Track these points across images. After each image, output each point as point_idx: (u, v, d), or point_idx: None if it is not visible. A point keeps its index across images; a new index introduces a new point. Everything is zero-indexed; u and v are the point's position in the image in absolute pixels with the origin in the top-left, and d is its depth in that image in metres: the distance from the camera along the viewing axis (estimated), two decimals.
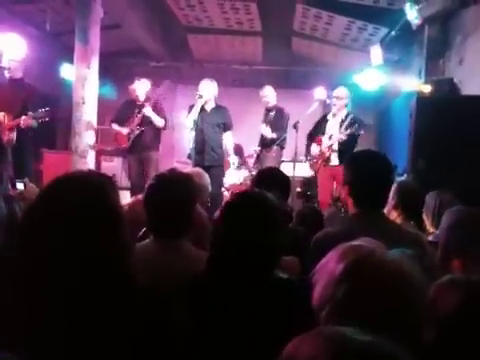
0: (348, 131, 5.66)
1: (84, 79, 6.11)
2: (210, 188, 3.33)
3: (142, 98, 6.27)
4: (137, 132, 6.17)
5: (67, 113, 6.65)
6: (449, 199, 2.90)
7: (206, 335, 1.54)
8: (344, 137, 5.69)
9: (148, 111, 6.16)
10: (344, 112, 5.96)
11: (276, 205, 1.65)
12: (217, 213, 1.76)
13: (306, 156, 6.54)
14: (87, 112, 6.13)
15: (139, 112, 6.17)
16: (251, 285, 1.58)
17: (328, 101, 6.48)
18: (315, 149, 6.02)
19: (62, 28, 7.43)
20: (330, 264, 1.13)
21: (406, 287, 1.06)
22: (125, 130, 6.25)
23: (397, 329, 1.03)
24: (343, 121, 5.85)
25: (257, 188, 2.90)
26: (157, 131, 6.28)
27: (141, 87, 6.30)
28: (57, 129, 8.67)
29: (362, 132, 5.55)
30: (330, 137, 5.90)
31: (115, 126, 6.41)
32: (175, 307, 1.66)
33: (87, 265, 1.23)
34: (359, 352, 0.72)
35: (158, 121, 6.18)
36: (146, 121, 6.17)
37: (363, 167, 2.00)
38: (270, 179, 2.93)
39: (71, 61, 6.48)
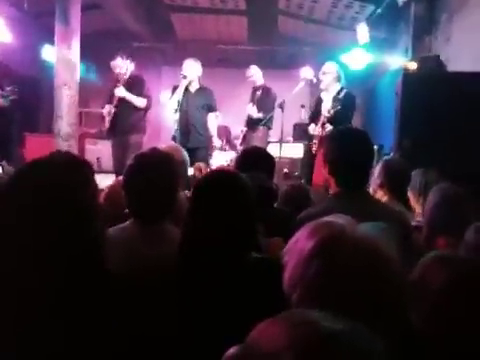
0: (334, 109, 5.43)
1: (65, 61, 5.98)
2: (189, 163, 3.25)
3: (124, 75, 5.85)
4: (111, 115, 5.76)
5: (50, 95, 6.52)
6: (435, 177, 2.87)
7: (180, 320, 1.51)
8: (328, 114, 5.40)
9: (120, 92, 5.74)
10: (336, 87, 5.64)
11: (247, 184, 1.60)
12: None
13: (305, 139, 6.37)
14: (69, 94, 6.00)
15: (112, 94, 5.78)
16: (222, 267, 1.53)
17: (315, 80, 6.37)
18: (314, 129, 5.66)
19: (43, 9, 7.26)
20: (300, 243, 1.07)
21: (381, 263, 1.01)
22: (105, 109, 5.86)
23: (376, 307, 0.99)
24: (335, 97, 5.63)
25: (240, 168, 2.87)
26: (137, 112, 5.87)
27: (122, 64, 5.88)
28: (40, 112, 8.53)
29: (339, 107, 5.30)
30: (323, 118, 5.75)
31: (105, 107, 5.97)
32: (156, 293, 1.63)
33: (56, 256, 1.18)
34: (327, 343, 0.67)
35: (136, 101, 5.78)
36: (122, 102, 5.75)
37: (343, 145, 1.94)
38: (254, 159, 2.88)
39: (53, 43, 6.33)
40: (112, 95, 5.85)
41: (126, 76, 5.84)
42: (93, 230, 1.26)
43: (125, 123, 5.80)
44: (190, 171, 4.65)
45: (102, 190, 3.00)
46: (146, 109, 5.95)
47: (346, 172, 1.89)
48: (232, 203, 1.57)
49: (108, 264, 1.34)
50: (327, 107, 5.44)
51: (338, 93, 5.51)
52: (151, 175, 1.89)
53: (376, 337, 0.72)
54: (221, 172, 1.87)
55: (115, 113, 5.76)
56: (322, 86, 5.75)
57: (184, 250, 1.62)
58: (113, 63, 5.90)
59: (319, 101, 5.87)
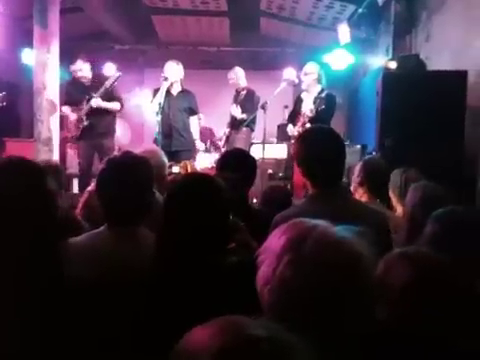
0: (314, 108, 5.41)
1: (44, 64, 5.89)
2: (167, 166, 3.23)
3: (87, 77, 5.83)
4: (86, 123, 5.71)
5: (30, 100, 6.43)
6: (415, 176, 2.88)
7: (152, 322, 1.50)
8: (310, 114, 5.40)
9: (96, 102, 5.67)
10: (317, 88, 5.67)
11: (220, 187, 1.60)
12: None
13: (285, 139, 6.38)
14: (48, 98, 5.91)
15: (88, 101, 5.68)
16: (194, 270, 1.53)
17: (296, 81, 6.37)
18: (293, 129, 5.74)
19: (21, 12, 7.16)
20: (272, 242, 1.09)
21: (348, 260, 1.03)
22: (73, 116, 5.78)
23: (342, 302, 1.01)
24: (317, 98, 5.63)
25: (221, 170, 2.85)
26: (109, 115, 5.85)
27: (85, 66, 5.84)
28: (21, 117, 8.41)
29: (323, 107, 5.29)
30: (303, 115, 5.74)
31: (66, 109, 5.90)
32: (130, 297, 1.61)
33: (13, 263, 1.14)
34: (244, 348, 0.66)
35: (112, 107, 5.78)
36: (96, 111, 5.69)
37: (313, 145, 1.93)
38: (234, 161, 2.86)
39: (32, 46, 6.24)
40: (76, 98, 5.77)
41: (88, 78, 5.83)
42: (42, 237, 1.22)
43: (97, 129, 5.77)
44: (176, 169, 4.64)
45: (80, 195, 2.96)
46: (120, 111, 5.96)
47: (317, 171, 1.88)
48: (203, 206, 1.57)
49: (68, 269, 1.31)
50: (309, 107, 5.43)
51: (319, 93, 5.52)
52: (123, 179, 1.86)
53: (306, 348, 0.71)
54: (193, 176, 1.86)
55: (88, 124, 5.72)
56: (303, 86, 5.76)
57: (158, 253, 1.62)
58: (74, 66, 5.87)
59: (299, 101, 5.88)
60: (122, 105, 5.92)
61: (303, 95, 5.79)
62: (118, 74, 5.84)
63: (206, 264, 1.54)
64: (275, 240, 1.09)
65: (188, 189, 1.61)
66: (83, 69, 5.85)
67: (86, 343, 1.25)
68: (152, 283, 1.55)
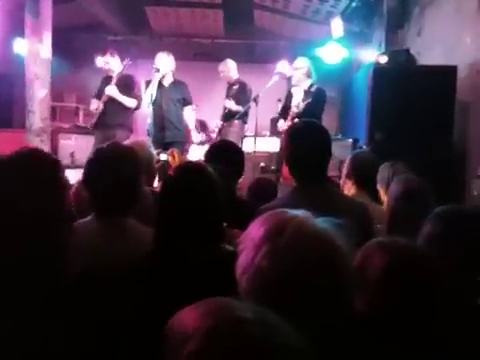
0: (304, 102, 5.39)
1: (36, 54, 5.87)
2: (155, 157, 3.23)
3: (116, 71, 5.84)
4: (100, 110, 5.80)
5: (22, 90, 6.41)
6: (402, 170, 2.90)
7: (155, 313, 1.51)
8: (296, 109, 5.40)
9: (111, 90, 5.74)
10: (307, 83, 5.67)
11: (213, 177, 1.61)
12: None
13: (277, 133, 6.41)
14: (40, 88, 5.90)
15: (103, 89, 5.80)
16: (194, 259, 1.56)
17: (289, 74, 6.38)
18: (283, 124, 5.81)
19: (14, 1, 7.11)
20: (252, 231, 1.10)
21: (325, 251, 1.04)
22: (93, 106, 5.92)
23: (318, 293, 1.02)
24: (306, 92, 5.65)
25: (209, 162, 2.87)
26: (125, 110, 5.84)
27: (113, 60, 5.88)
28: (13, 107, 8.38)
29: (310, 101, 5.31)
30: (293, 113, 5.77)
31: (93, 101, 6.02)
32: (118, 288, 1.63)
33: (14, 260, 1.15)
34: (231, 329, 0.68)
35: (126, 101, 5.75)
36: (111, 99, 5.76)
37: (297, 140, 1.96)
38: (222, 153, 2.87)
39: (24, 36, 6.21)
40: (102, 91, 5.83)
41: (115, 73, 5.83)
42: (47, 233, 1.23)
43: (112, 119, 5.78)
44: (164, 157, 4.65)
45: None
46: (136, 109, 5.92)
47: (300, 165, 1.90)
48: (199, 196, 1.59)
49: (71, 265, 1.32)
50: (297, 102, 5.44)
51: (309, 88, 5.53)
52: (110, 170, 1.88)
53: (293, 331, 0.73)
54: (188, 166, 1.87)
55: (103, 109, 5.78)
56: (293, 81, 5.76)
57: (156, 243, 1.64)
58: (102, 59, 5.88)
59: (289, 96, 5.90)
60: (139, 104, 5.85)
61: (293, 90, 5.79)
62: (127, 61, 5.83)
63: (201, 254, 1.57)
64: (255, 230, 1.11)
65: (183, 179, 1.64)
66: (110, 62, 5.85)
67: (87, 336, 1.26)
68: (146, 273, 1.58)
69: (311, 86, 5.57)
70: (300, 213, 1.12)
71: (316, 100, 5.34)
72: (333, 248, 1.05)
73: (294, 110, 5.38)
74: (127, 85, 5.78)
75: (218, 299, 0.75)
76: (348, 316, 1.11)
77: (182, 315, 0.74)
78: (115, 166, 1.91)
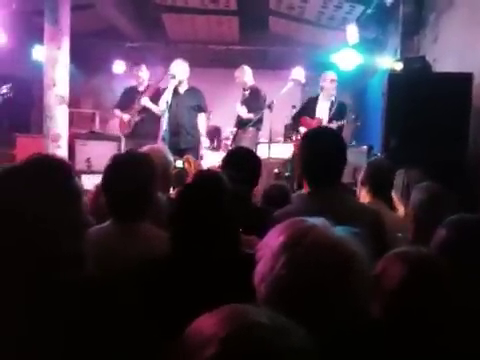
0: (340, 123, 5.83)
1: (55, 61, 5.95)
2: (172, 163, 3.28)
3: (144, 85, 6.35)
4: (137, 119, 6.23)
5: (40, 96, 6.50)
6: (417, 177, 2.91)
7: (172, 315, 1.54)
8: (334, 127, 5.74)
9: (145, 101, 6.16)
10: (333, 96, 6.12)
11: (227, 186, 1.66)
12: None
13: (291, 137, 6.57)
14: (58, 94, 5.98)
15: (139, 100, 6.24)
16: (213, 262, 1.61)
17: (303, 81, 6.45)
18: (303, 131, 6.01)
19: (32, 8, 7.23)
20: (270, 240, 1.12)
21: (343, 261, 1.05)
22: (126, 116, 6.32)
23: (335, 301, 1.03)
24: (332, 104, 6.01)
25: (226, 168, 2.89)
26: (156, 119, 6.16)
27: (146, 74, 6.41)
28: (31, 113, 8.51)
29: (358, 124, 5.70)
30: (320, 122, 6.01)
31: (117, 112, 6.48)
32: (133, 291, 1.65)
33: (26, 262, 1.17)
34: (250, 335, 0.69)
35: (158, 111, 6.05)
36: (146, 109, 6.17)
37: (314, 145, 1.97)
38: (239, 160, 2.89)
39: (42, 42, 6.31)
40: (132, 102, 6.32)
41: (145, 86, 6.37)
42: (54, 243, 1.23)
43: (145, 130, 6.19)
44: (179, 164, 4.71)
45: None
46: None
47: (313, 171, 1.92)
48: (215, 204, 1.64)
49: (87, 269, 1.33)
50: (325, 113, 5.96)
51: (333, 103, 5.92)
52: (127, 175, 1.92)
53: (307, 336, 0.74)
54: (204, 175, 1.90)
55: (140, 120, 6.27)
56: (327, 93, 6.15)
57: (174, 247, 1.69)
58: (139, 73, 6.43)
59: (314, 101, 6.05)
60: None
61: (320, 98, 6.11)
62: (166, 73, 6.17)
63: (218, 257, 1.61)
64: (273, 238, 1.12)
65: (201, 188, 1.69)
66: (143, 76, 6.44)
67: (93, 340, 1.28)
68: (164, 276, 1.62)
69: (335, 100, 6.05)
70: (318, 222, 1.13)
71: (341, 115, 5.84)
72: (351, 258, 1.06)
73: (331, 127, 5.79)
74: (157, 96, 6.14)
75: (235, 306, 0.77)
76: (364, 323, 1.12)
77: (200, 322, 0.76)
78: (130, 172, 1.95)
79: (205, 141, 6.30)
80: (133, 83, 6.71)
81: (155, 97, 6.16)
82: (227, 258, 1.64)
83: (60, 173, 1.28)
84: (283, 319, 0.74)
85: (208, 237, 1.63)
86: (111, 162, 1.97)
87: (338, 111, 5.94)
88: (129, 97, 6.42)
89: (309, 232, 1.08)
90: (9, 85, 5.46)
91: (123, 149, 6.42)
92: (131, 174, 1.94)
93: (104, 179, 1.99)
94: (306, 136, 2.12)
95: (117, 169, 1.96)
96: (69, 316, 1.24)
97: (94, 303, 1.38)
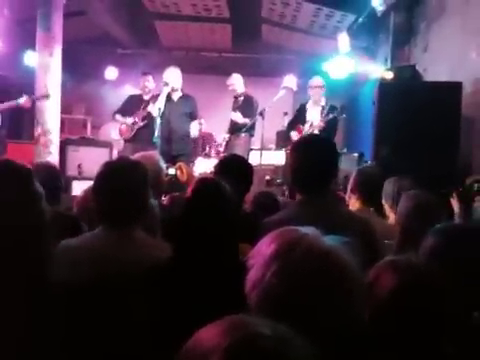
0: (330, 116, 5.81)
1: (47, 67, 5.96)
2: (164, 169, 3.29)
3: (150, 95, 6.32)
4: (141, 124, 6.23)
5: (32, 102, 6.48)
6: (407, 185, 2.92)
7: (172, 319, 1.56)
8: (323, 124, 5.81)
9: (152, 109, 6.09)
10: (323, 100, 6.16)
11: (229, 194, 1.69)
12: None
13: (286, 145, 6.61)
14: (50, 101, 5.97)
15: (145, 107, 6.23)
16: (216, 269, 1.64)
17: (295, 88, 6.50)
18: (295, 137, 6.02)
19: (24, 15, 7.23)
20: (262, 248, 1.12)
21: (335, 270, 1.05)
22: (130, 120, 6.32)
23: (324, 313, 1.03)
24: (323, 108, 6.01)
25: (218, 175, 2.90)
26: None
27: (152, 84, 6.41)
28: (23, 119, 8.47)
29: (344, 115, 5.73)
30: (311, 125, 6.02)
31: (119, 117, 6.46)
32: (130, 296, 1.66)
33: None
34: (253, 345, 0.70)
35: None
36: (150, 116, 6.15)
37: (304, 152, 1.98)
38: (231, 167, 2.90)
39: (34, 48, 6.31)
40: (136, 109, 6.34)
41: (149, 95, 6.36)
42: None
43: (147, 135, 6.07)
44: (172, 171, 4.71)
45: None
46: None
47: (303, 178, 1.93)
48: (221, 213, 1.70)
49: (57, 273, 1.32)
50: (316, 119, 5.94)
51: (325, 104, 5.88)
52: (119, 182, 1.91)
53: (308, 345, 0.75)
54: (207, 182, 1.92)
55: (143, 126, 6.25)
56: (313, 99, 6.17)
57: (178, 254, 1.73)
58: (146, 83, 6.44)
59: (303, 109, 6.09)
60: None
61: (308, 105, 6.11)
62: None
63: (217, 264, 1.64)
64: (265, 246, 1.12)
65: (204, 196, 1.74)
66: (150, 86, 6.45)
67: (81, 346, 1.28)
68: (166, 283, 1.65)
69: (327, 103, 6.06)
70: (310, 231, 1.14)
71: (332, 126, 5.85)
72: (343, 266, 1.06)
73: (321, 124, 5.87)
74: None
75: (236, 317, 0.78)
76: (357, 332, 1.12)
77: (202, 333, 0.76)
78: (123, 178, 1.95)
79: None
80: (137, 92, 6.77)
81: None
82: (228, 266, 1.66)
83: (16, 178, 1.29)
84: (284, 329, 0.75)
85: (212, 245, 1.67)
86: (104, 168, 1.97)
87: (330, 113, 5.99)
88: (132, 105, 6.42)
89: (301, 241, 1.09)
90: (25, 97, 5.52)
91: (122, 154, 6.35)
92: (124, 180, 1.93)
93: (96, 185, 1.99)
94: (297, 144, 2.13)
95: (109, 176, 1.96)
96: (58, 321, 1.24)
97: (88, 308, 1.38)
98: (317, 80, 6.25)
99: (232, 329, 0.73)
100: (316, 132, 5.83)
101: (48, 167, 3.09)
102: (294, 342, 0.74)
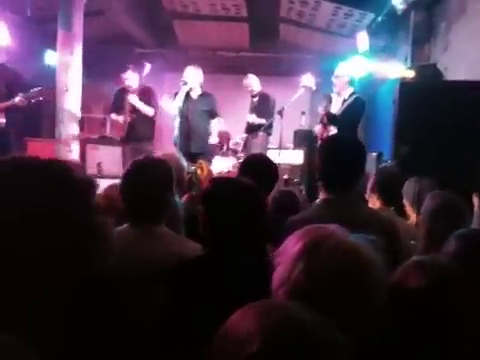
0: (343, 108, 5.52)
1: (67, 66, 6.03)
2: (186, 168, 3.32)
3: (133, 87, 6.20)
4: (129, 119, 6.13)
5: (52, 101, 6.56)
6: (428, 185, 2.91)
7: (201, 314, 1.58)
8: (338, 115, 5.52)
9: (133, 99, 6.08)
10: (348, 91, 5.77)
11: (254, 190, 1.71)
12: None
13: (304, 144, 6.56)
14: (70, 100, 6.05)
15: (128, 99, 6.15)
16: (248, 267, 1.65)
17: (314, 88, 6.46)
18: (317, 131, 5.88)
19: (46, 14, 7.32)
20: (288, 246, 1.13)
21: (361, 269, 1.06)
22: (121, 118, 6.25)
23: (351, 311, 1.04)
24: (345, 100, 5.71)
25: (243, 175, 2.91)
26: (150, 120, 6.17)
27: (133, 76, 6.24)
28: (42, 117, 8.57)
29: (344, 109, 5.46)
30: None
31: (113, 116, 6.43)
32: (158, 291, 1.69)
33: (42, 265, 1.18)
34: (293, 330, 0.71)
35: (145, 110, 6.05)
36: (135, 109, 6.10)
37: (331, 152, 1.99)
38: (256, 166, 2.90)
39: (54, 48, 6.39)
40: (122, 103, 6.18)
41: (134, 87, 6.18)
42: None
43: (140, 131, 6.11)
44: (192, 169, 4.74)
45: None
46: (153, 117, 6.21)
47: (332, 178, 1.94)
48: (256, 217, 1.74)
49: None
50: (336, 109, 5.62)
51: (349, 96, 5.63)
52: (146, 180, 1.97)
53: (341, 333, 0.76)
54: (240, 185, 1.92)
55: (131, 121, 6.12)
56: (336, 89, 5.83)
57: (203, 251, 1.78)
58: (124, 75, 6.22)
59: (329, 101, 5.96)
60: (155, 113, 6.18)
61: (333, 96, 5.90)
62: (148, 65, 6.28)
63: (247, 263, 1.65)
64: (291, 244, 1.14)
65: (234, 196, 1.75)
66: (130, 78, 6.22)
67: (108, 338, 1.30)
68: (194, 280, 1.67)
69: (352, 94, 5.68)
70: (336, 229, 1.15)
71: (354, 110, 5.48)
72: (370, 265, 1.07)
73: (331, 113, 5.53)
74: (145, 95, 6.11)
75: (268, 301, 0.78)
76: (380, 331, 1.13)
77: (237, 317, 0.76)
78: (149, 177, 2.00)
79: (213, 140, 6.30)
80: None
81: (145, 97, 6.11)
82: (257, 264, 1.68)
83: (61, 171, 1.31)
84: (316, 314, 0.76)
85: (242, 245, 1.70)
86: (131, 167, 2.02)
87: (350, 104, 5.64)
88: (120, 99, 6.29)
89: (328, 238, 1.10)
90: (39, 89, 5.49)
91: (124, 154, 6.36)
92: (149, 179, 1.98)
93: (123, 183, 2.03)
94: (323, 143, 2.14)
95: (136, 174, 2.01)
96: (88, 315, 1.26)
97: (123, 302, 1.40)
98: (339, 69, 5.90)
99: (268, 313, 0.73)
100: (332, 128, 5.59)
101: (76, 167, 3.13)
102: (329, 326, 0.75)
